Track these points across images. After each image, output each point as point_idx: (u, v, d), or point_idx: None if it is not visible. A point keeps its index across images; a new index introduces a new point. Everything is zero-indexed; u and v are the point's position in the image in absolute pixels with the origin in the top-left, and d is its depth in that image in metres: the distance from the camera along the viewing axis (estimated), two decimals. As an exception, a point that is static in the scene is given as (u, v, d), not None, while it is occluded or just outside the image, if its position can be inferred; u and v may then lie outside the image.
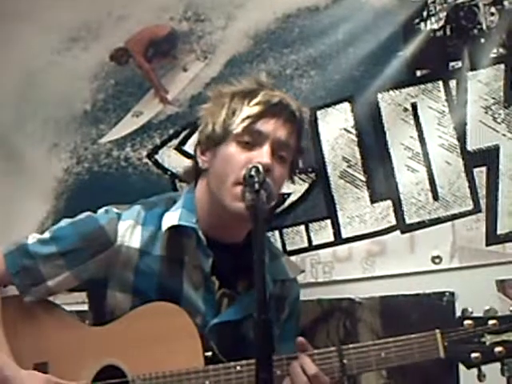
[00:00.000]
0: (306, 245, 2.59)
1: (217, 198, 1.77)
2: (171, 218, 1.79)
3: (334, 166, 2.57)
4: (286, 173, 1.83)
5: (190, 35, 2.78)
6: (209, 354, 1.70)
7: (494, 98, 2.41)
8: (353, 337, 2.50)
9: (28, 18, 2.91)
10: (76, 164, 2.86)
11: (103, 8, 2.86)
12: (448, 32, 2.48)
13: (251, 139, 1.76)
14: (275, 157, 1.76)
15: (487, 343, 1.54)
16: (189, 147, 2.67)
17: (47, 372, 1.75)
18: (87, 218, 1.84)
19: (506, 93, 2.40)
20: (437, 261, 2.45)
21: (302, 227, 2.60)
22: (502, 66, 2.41)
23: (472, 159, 2.44)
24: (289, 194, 2.60)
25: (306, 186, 2.60)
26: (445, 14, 2.48)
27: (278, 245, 2.56)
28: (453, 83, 2.47)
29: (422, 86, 2.49)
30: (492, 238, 2.40)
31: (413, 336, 1.60)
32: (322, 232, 2.58)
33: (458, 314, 1.65)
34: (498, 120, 2.41)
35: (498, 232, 2.40)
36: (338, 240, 2.56)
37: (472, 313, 1.57)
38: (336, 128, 2.57)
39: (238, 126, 1.75)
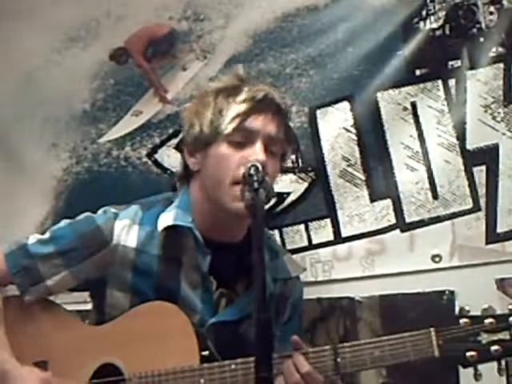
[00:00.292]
0: (305, 244, 2.59)
1: (214, 198, 1.76)
2: (166, 219, 1.79)
3: (334, 165, 2.57)
4: (278, 167, 1.83)
5: (190, 35, 2.78)
6: (205, 353, 1.70)
7: (493, 97, 2.41)
8: (352, 336, 2.50)
9: (27, 18, 2.91)
10: (75, 163, 2.86)
11: (102, 7, 2.86)
12: (447, 31, 2.48)
13: (242, 138, 1.75)
14: (267, 152, 1.75)
15: (483, 342, 1.53)
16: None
17: (47, 370, 1.76)
18: (85, 218, 1.85)
19: (506, 91, 2.40)
20: (436, 259, 2.45)
21: (302, 226, 2.60)
22: (502, 65, 2.41)
23: (471, 158, 2.44)
24: (288, 193, 2.60)
25: (306, 185, 2.60)
26: (444, 13, 2.48)
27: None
28: (452, 82, 2.47)
29: (422, 85, 2.49)
30: (492, 236, 2.40)
31: (407, 334, 1.60)
32: (322, 231, 2.58)
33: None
34: (498, 119, 2.41)
35: (498, 230, 2.40)
36: (338, 239, 2.56)
37: (469, 311, 1.56)
38: (335, 127, 2.57)
39: (227, 126, 1.74)
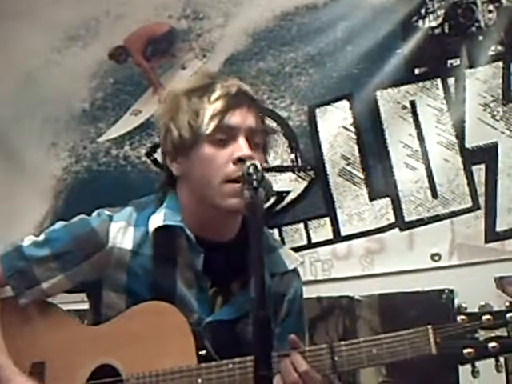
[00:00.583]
0: (305, 243, 2.60)
1: (204, 199, 1.75)
2: (156, 220, 1.78)
3: (333, 163, 2.57)
4: (263, 157, 1.82)
5: (189, 33, 2.78)
6: (203, 352, 1.70)
7: (492, 96, 2.42)
8: (352, 334, 2.50)
9: (27, 17, 2.91)
10: (75, 163, 2.86)
11: (102, 6, 2.86)
12: (446, 30, 2.48)
13: (224, 135, 1.74)
14: (251, 145, 1.75)
15: (480, 339, 1.52)
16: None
17: (44, 371, 1.75)
18: (80, 221, 1.84)
19: (505, 90, 2.40)
20: (436, 258, 2.45)
21: (301, 225, 2.60)
22: (501, 64, 2.42)
23: (471, 156, 2.44)
24: (288, 192, 2.60)
25: (305, 183, 2.60)
26: (443, 11, 2.48)
27: (278, 244, 2.56)
28: (451, 81, 2.47)
29: (421, 84, 2.50)
30: (491, 235, 2.41)
31: (404, 332, 1.59)
32: (321, 230, 2.58)
33: (458, 311, 1.65)
34: (497, 117, 2.41)
35: (497, 229, 2.40)
36: (337, 238, 2.56)
37: (466, 308, 1.55)
38: (335, 126, 2.57)
39: (207, 126, 1.73)
